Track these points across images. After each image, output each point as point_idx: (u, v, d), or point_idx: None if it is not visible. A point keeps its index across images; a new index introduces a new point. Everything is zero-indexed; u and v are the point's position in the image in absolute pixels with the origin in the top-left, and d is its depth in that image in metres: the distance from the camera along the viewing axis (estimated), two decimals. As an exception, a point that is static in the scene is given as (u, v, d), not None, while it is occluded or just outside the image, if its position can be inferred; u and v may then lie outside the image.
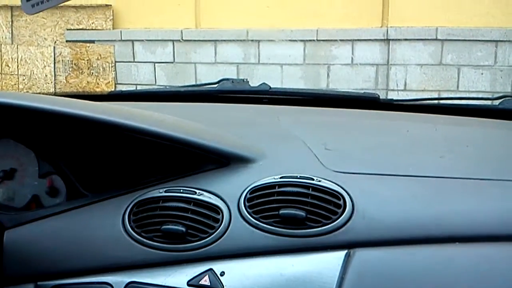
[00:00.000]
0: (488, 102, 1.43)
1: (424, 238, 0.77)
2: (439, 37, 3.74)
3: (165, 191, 0.87)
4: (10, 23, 4.64)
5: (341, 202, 0.81)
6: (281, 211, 0.80)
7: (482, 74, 3.71)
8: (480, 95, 3.61)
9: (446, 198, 0.82)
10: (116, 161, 0.95)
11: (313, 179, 0.84)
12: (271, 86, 1.44)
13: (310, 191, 0.82)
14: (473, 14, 3.69)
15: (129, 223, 0.85)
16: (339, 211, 0.80)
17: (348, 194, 0.82)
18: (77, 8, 4.40)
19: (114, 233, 0.85)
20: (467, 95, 3.66)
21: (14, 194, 0.96)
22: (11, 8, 4.59)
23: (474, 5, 3.68)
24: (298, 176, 0.85)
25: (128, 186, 0.90)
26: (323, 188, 0.83)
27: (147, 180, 0.90)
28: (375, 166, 0.91)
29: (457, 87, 3.77)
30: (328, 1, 3.95)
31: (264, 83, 1.46)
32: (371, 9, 3.87)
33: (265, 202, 0.83)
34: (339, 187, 0.83)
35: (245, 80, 1.55)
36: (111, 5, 4.36)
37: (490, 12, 3.66)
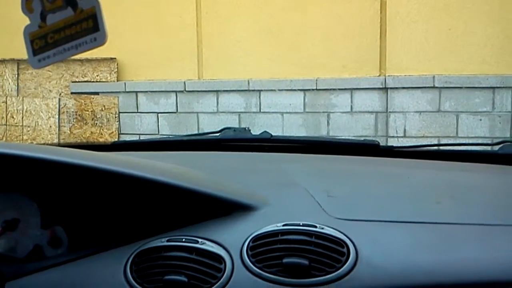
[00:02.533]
0: (488, 148, 1.44)
1: (429, 286, 0.76)
2: (436, 85, 3.80)
3: (167, 241, 0.86)
4: (16, 76, 4.74)
5: (345, 250, 0.81)
6: (285, 260, 0.80)
7: (480, 120, 3.75)
8: (479, 141, 3.63)
9: (450, 245, 0.81)
10: (118, 211, 0.95)
11: (316, 227, 0.84)
12: (273, 134, 1.46)
13: (313, 239, 0.82)
14: (469, 62, 3.76)
15: (131, 273, 0.84)
16: (343, 259, 0.80)
17: (352, 242, 0.82)
18: (82, 61, 4.51)
19: (115, 284, 0.84)
20: (467, 141, 3.68)
21: (16, 244, 0.96)
22: (18, 61, 4.70)
23: (469, 53, 3.76)
24: (301, 224, 0.85)
25: (130, 236, 0.90)
26: (327, 236, 0.83)
27: (149, 229, 0.90)
28: (378, 212, 0.91)
29: (456, 133, 3.79)
30: (327, 52, 4.04)
31: (265, 131, 1.48)
32: (369, 59, 3.96)
33: (268, 251, 0.82)
34: (342, 235, 0.83)
35: (246, 128, 1.58)
36: (115, 58, 4.47)
37: (485, 60, 3.74)
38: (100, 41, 0.74)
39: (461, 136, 3.77)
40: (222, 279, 0.80)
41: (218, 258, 0.83)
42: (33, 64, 0.80)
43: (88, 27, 0.74)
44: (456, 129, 3.80)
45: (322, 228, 0.84)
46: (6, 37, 4.44)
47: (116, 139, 4.43)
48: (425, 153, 1.39)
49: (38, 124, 4.69)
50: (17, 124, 4.75)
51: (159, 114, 4.42)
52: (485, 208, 0.95)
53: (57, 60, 0.78)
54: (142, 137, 4.37)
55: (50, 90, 4.67)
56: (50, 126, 4.66)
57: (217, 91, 4.27)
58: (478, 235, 0.83)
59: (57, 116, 4.64)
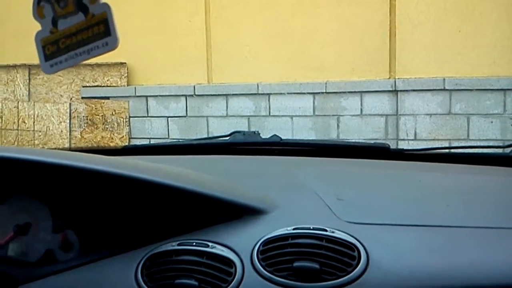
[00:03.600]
0: (499, 150, 1.43)
1: (440, 289, 0.76)
2: (447, 87, 3.77)
3: (178, 245, 0.86)
4: (28, 81, 4.79)
5: (356, 253, 0.80)
6: (295, 264, 0.80)
7: (491, 122, 3.72)
8: (490, 143, 3.60)
9: (460, 248, 0.81)
10: (130, 215, 0.95)
11: (326, 230, 0.84)
12: (282, 138, 1.45)
13: (324, 243, 0.82)
14: (479, 64, 3.74)
15: (142, 277, 0.84)
16: (354, 263, 0.79)
17: (363, 245, 0.82)
18: (92, 66, 4.54)
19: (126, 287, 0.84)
20: (478, 143, 3.65)
21: (28, 248, 0.97)
22: (29, 66, 4.75)
23: (480, 55, 3.74)
24: (311, 227, 0.85)
25: (142, 240, 0.90)
26: (337, 240, 0.82)
27: (160, 233, 0.90)
28: (388, 216, 0.91)
29: (467, 135, 3.76)
30: (336, 55, 4.04)
31: (275, 134, 1.48)
32: (378, 62, 3.94)
33: (279, 255, 0.82)
34: (353, 238, 0.83)
35: (256, 132, 1.57)
36: (125, 63, 4.50)
37: (496, 62, 3.71)
38: (112, 45, 0.74)
39: (472, 138, 3.74)
40: (232, 283, 0.80)
41: (229, 262, 0.83)
42: (45, 70, 0.81)
43: (99, 32, 0.75)
44: (467, 131, 3.77)
45: (333, 232, 0.84)
46: (17, 43, 4.49)
47: (127, 144, 4.45)
48: (436, 156, 1.38)
49: (49, 129, 4.73)
50: (28, 129, 4.79)
51: (169, 118, 4.44)
52: (496, 211, 0.94)
53: (69, 65, 0.78)
54: (152, 141, 4.39)
55: (61, 95, 4.71)
56: (61, 131, 4.69)
57: (226, 95, 4.28)
58: (489, 238, 0.83)
59: (68, 121, 4.67)
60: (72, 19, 0.77)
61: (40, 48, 0.80)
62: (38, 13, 0.79)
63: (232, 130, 1.61)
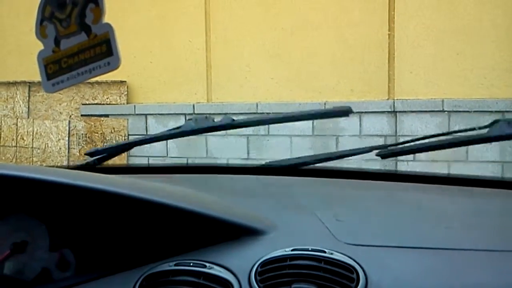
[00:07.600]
0: (483, 131, 1.41)
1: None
2: (445, 109, 3.79)
3: (175, 265, 0.86)
4: (27, 98, 4.80)
5: (354, 275, 0.80)
6: (293, 285, 0.79)
7: (490, 144, 3.72)
8: (489, 166, 3.60)
9: (459, 270, 0.80)
10: (126, 234, 0.95)
11: (325, 252, 0.83)
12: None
13: (322, 265, 0.81)
14: (477, 86, 3.76)
15: (139, 297, 0.83)
16: (353, 285, 0.79)
17: (361, 267, 0.81)
18: (92, 84, 4.57)
19: (123, 308, 0.83)
20: (477, 165, 3.65)
21: (24, 267, 0.96)
22: (29, 84, 4.77)
23: (479, 77, 3.76)
24: (310, 249, 0.84)
25: (138, 260, 0.89)
26: (336, 261, 0.82)
27: (157, 253, 0.90)
28: (387, 238, 0.90)
29: (467, 157, 3.77)
30: (335, 76, 4.06)
31: (227, 116, 1.41)
32: (377, 83, 3.97)
33: (277, 276, 0.81)
34: (352, 260, 0.82)
35: (207, 116, 1.51)
36: (125, 81, 4.52)
37: (494, 84, 3.73)
38: (114, 65, 0.75)
39: (471, 160, 3.74)
40: (230, 304, 0.79)
41: (226, 283, 0.82)
42: (47, 89, 0.81)
43: (101, 51, 0.75)
44: (466, 153, 3.77)
45: (331, 254, 0.83)
46: (18, 60, 4.52)
47: (125, 162, 4.44)
48: (436, 177, 1.38)
49: (48, 146, 4.73)
50: (27, 146, 4.79)
51: (168, 137, 4.43)
52: (495, 234, 0.94)
53: (71, 84, 0.79)
54: (151, 160, 4.38)
55: (60, 112, 4.72)
56: (60, 148, 4.69)
57: (226, 114, 4.29)
58: (488, 261, 0.82)
59: (67, 138, 4.67)
60: (75, 39, 0.77)
61: (42, 67, 0.81)
62: (41, 33, 0.80)
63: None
